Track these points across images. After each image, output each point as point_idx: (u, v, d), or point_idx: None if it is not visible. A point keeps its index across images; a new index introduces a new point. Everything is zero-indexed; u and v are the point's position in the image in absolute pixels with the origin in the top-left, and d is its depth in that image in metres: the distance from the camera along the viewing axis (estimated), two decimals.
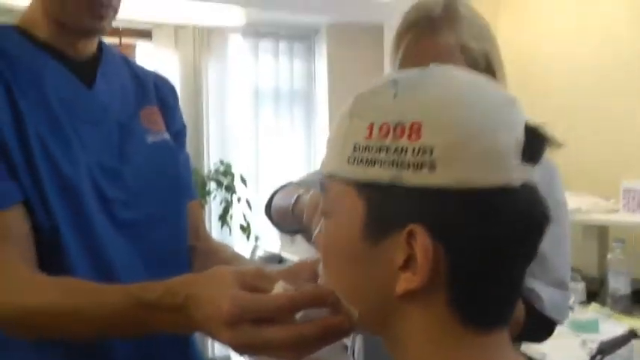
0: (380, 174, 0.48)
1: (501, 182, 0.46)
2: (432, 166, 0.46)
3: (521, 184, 0.47)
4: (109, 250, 0.90)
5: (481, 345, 0.50)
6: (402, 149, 0.47)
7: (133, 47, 3.51)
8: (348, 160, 0.50)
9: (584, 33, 2.52)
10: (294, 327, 0.59)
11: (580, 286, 2.28)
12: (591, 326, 1.90)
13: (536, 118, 0.49)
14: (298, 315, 0.60)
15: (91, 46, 0.97)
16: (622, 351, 1.64)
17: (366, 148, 0.49)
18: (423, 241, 0.47)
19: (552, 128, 0.50)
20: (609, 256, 2.14)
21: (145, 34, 3.45)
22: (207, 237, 1.10)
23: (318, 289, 0.60)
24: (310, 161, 3.90)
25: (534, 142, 0.48)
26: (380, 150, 0.48)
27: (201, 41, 3.50)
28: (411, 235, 0.47)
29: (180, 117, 1.10)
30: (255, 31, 3.72)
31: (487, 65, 1.03)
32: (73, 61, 0.94)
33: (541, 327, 1.06)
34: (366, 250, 0.50)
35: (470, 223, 0.47)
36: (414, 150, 0.47)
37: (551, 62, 2.67)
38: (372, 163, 0.49)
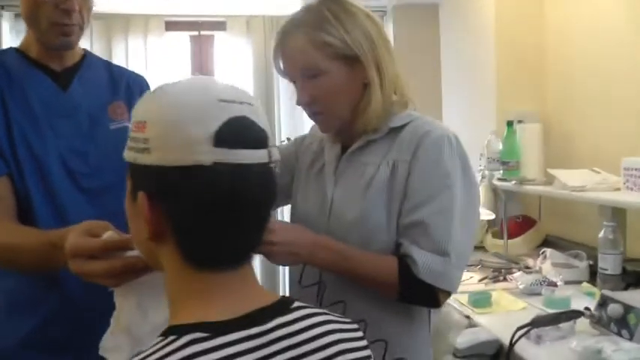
0: (130, 156, 0.69)
1: (192, 162, 0.64)
2: (149, 151, 0.66)
3: (213, 162, 0.64)
4: (72, 210, 1.25)
5: (209, 280, 0.68)
6: (139, 139, 0.67)
7: (211, 38, 3.79)
8: (127, 146, 0.71)
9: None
10: (107, 262, 0.88)
11: (583, 265, 2.29)
12: (562, 303, 1.93)
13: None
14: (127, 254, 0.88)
15: (70, 58, 1.31)
16: (563, 326, 1.65)
17: (130, 139, 0.70)
18: (143, 203, 0.67)
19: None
20: (600, 235, 2.12)
21: (221, 25, 3.72)
22: None
23: (120, 237, 0.90)
24: None
25: (232, 133, 0.66)
26: (132, 140, 0.69)
27: (271, 29, 3.73)
28: (142, 198, 0.68)
29: None
30: None
31: (354, 54, 1.15)
32: (55, 72, 1.29)
33: (419, 291, 1.11)
34: (134, 209, 0.70)
35: (175, 191, 0.65)
36: (142, 139, 0.67)
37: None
38: (130, 148, 0.69)
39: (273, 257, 1.09)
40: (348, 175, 1.23)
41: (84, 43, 3.67)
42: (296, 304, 0.72)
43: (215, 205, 0.65)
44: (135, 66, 3.74)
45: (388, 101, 1.19)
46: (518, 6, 2.95)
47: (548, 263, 2.35)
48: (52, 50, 1.27)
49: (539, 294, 2.10)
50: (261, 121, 0.69)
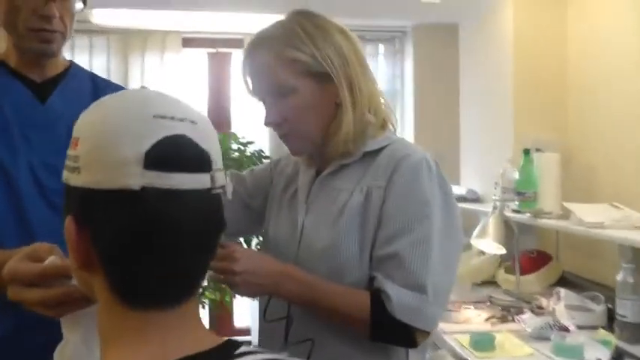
0: (65, 175, 0.63)
1: (120, 185, 0.57)
2: (79, 170, 0.60)
3: (141, 187, 0.57)
4: (40, 228, 1.17)
5: (142, 318, 0.61)
6: (71, 157, 0.62)
7: (228, 55, 3.78)
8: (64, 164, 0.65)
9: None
10: (43, 290, 0.80)
11: (599, 309, 2.12)
12: (573, 352, 1.78)
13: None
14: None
15: (52, 69, 1.24)
16: None
17: (66, 157, 0.64)
18: (69, 228, 0.61)
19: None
20: (618, 277, 1.96)
21: (238, 43, 3.71)
22: None
23: (63, 264, 0.81)
24: None
25: (165, 154, 0.59)
26: (67, 157, 0.63)
27: None
28: (69, 223, 0.61)
29: None
30: None
31: (324, 72, 1.10)
32: (34, 82, 1.23)
33: (393, 329, 1.03)
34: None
35: (100, 217, 0.59)
36: (74, 157, 0.61)
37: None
38: (65, 167, 0.64)
39: (236, 288, 1.04)
40: (320, 201, 1.17)
41: (100, 59, 3.68)
42: (242, 348, 0.63)
43: (144, 236, 0.58)
44: (151, 82, 3.74)
45: (362, 123, 1.12)
46: (538, 26, 2.82)
47: (561, 305, 2.18)
48: (32, 59, 1.22)
49: (548, 339, 1.93)
50: (206, 142, 0.62)
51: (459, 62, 3.54)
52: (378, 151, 1.13)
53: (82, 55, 3.82)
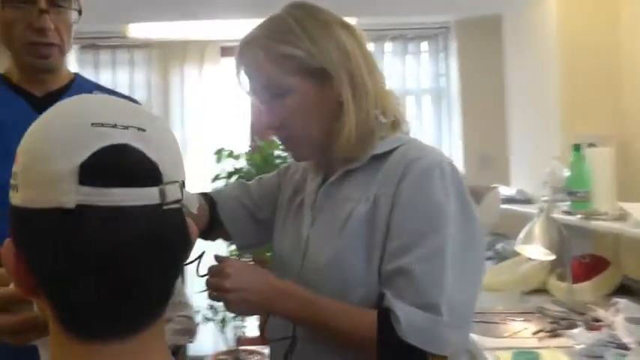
0: (10, 194, 0.56)
1: (54, 204, 0.51)
2: (17, 189, 0.54)
3: (76, 205, 0.50)
4: None
5: (91, 351, 0.54)
6: (13, 174, 0.56)
7: None
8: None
9: None
10: (8, 316, 0.74)
11: None
12: None
13: None
14: None
15: (53, 83, 1.22)
16: None
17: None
18: (7, 252, 0.55)
19: None
20: None
21: None
22: None
23: (14, 292, 0.72)
24: None
25: (103, 167, 0.51)
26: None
27: None
28: (7, 245, 0.55)
29: None
30: (380, 35, 3.75)
31: (322, 68, 1.00)
32: (34, 97, 1.20)
33: (403, 353, 0.92)
34: None
35: (36, 238, 0.52)
36: (14, 174, 0.55)
37: None
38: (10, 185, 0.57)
39: (228, 305, 0.98)
40: (326, 211, 1.07)
41: (141, 73, 3.73)
42: None
43: (82, 260, 0.51)
44: (191, 93, 3.74)
45: (368, 123, 1.02)
46: (586, 12, 2.60)
47: (620, 318, 1.95)
48: (32, 74, 1.19)
49: (602, 358, 1.72)
50: (155, 151, 0.54)
51: (504, 57, 3.35)
52: (387, 154, 1.03)
53: (123, 69, 3.88)
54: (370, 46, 4.08)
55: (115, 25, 3.52)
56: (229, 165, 3.35)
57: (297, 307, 0.97)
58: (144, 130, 0.55)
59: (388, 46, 3.80)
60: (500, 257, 2.83)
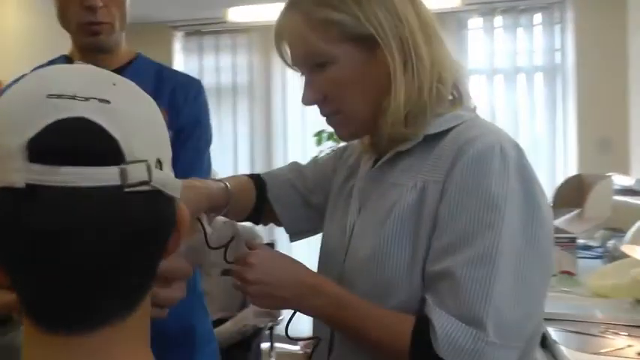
0: None
1: (4, 183, 0.46)
2: None
3: (26, 184, 0.46)
4: None
5: (50, 343, 0.51)
6: None
7: None
8: None
9: None
10: None
11: None
12: None
13: None
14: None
15: (112, 62, 1.21)
16: None
17: None
18: None
19: None
20: None
21: None
22: None
23: None
24: (554, 144, 3.52)
25: (55, 143, 0.46)
26: None
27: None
28: None
29: (190, 114, 1.21)
30: (489, 8, 3.52)
31: (370, 34, 0.87)
32: None
33: None
34: None
35: None
36: None
37: None
38: None
39: (251, 299, 0.90)
40: (372, 199, 0.96)
41: (243, 57, 3.77)
42: None
43: (33, 244, 0.47)
44: (292, 75, 3.73)
45: (422, 98, 0.89)
46: None
47: None
48: (89, 54, 1.20)
49: None
50: (119, 126, 0.48)
51: (627, 30, 3.01)
52: (443, 134, 0.89)
53: (226, 54, 3.95)
54: (478, 22, 3.91)
55: (216, 10, 3.56)
56: (330, 147, 3.32)
57: (325, 307, 0.88)
58: (107, 102, 0.49)
59: (498, 20, 3.57)
60: (612, 257, 2.56)
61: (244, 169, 4.01)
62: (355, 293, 0.88)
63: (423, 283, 0.85)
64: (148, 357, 0.55)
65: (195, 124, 1.22)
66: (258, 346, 2.62)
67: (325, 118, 0.97)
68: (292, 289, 0.89)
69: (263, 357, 2.79)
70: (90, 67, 0.55)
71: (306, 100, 0.94)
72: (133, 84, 0.54)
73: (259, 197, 1.09)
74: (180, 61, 4.08)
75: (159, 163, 0.50)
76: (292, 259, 0.94)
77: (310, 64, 0.91)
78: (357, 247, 0.93)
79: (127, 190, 0.47)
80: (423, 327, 0.80)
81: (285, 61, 0.96)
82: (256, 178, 1.11)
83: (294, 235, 1.17)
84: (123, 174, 0.47)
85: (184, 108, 1.21)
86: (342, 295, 0.88)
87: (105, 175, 0.47)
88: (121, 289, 0.51)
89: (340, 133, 0.98)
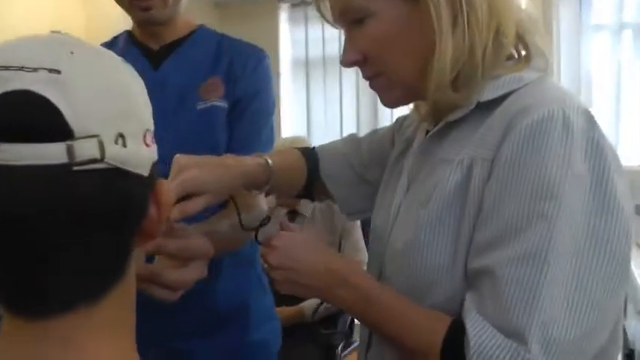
0: None
1: None
2: None
3: None
4: None
5: (13, 325, 0.49)
6: None
7: None
8: None
9: None
10: None
11: None
12: None
13: None
14: None
15: (171, 35, 1.20)
16: None
17: None
18: None
19: None
20: None
21: None
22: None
23: None
24: None
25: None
26: None
27: None
28: None
29: (248, 85, 1.17)
30: None
31: None
32: (151, 50, 1.21)
33: None
34: None
35: None
36: None
37: None
38: None
39: (275, 283, 0.83)
40: (420, 177, 0.83)
41: None
42: None
43: None
44: None
45: (474, 59, 0.75)
46: None
47: None
48: (145, 28, 1.20)
49: None
50: (67, 98, 0.44)
51: None
52: (500, 100, 0.74)
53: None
54: None
55: None
56: None
57: (351, 300, 0.79)
58: (58, 72, 0.44)
59: None
60: None
61: None
62: (393, 288, 0.78)
63: (466, 281, 0.73)
64: (125, 350, 0.52)
65: (253, 96, 1.16)
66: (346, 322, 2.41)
67: (368, 82, 0.84)
68: (317, 277, 0.81)
69: None
70: (54, 35, 0.49)
71: (345, 61, 0.82)
72: (101, 51, 0.50)
73: (311, 174, 1.02)
74: (286, 32, 4.07)
75: (121, 137, 0.46)
76: (323, 245, 0.87)
77: (349, 19, 0.79)
78: (396, 234, 0.83)
79: (76, 168, 0.44)
80: (456, 334, 0.68)
81: (325, 18, 0.84)
82: (309, 154, 1.03)
83: (351, 215, 1.10)
84: (70, 151, 0.43)
85: (242, 79, 1.16)
86: (370, 288, 0.78)
87: (49, 153, 0.43)
88: (79, 274, 0.48)
89: (384, 99, 0.85)
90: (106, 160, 0.45)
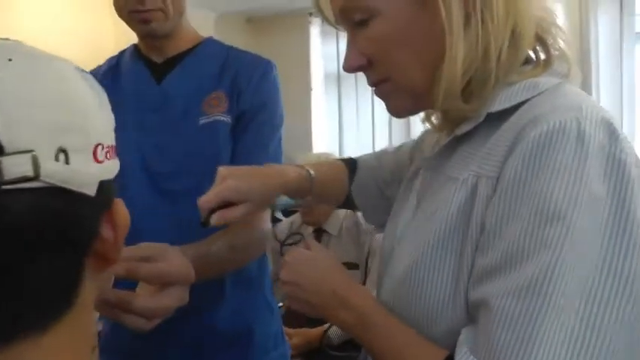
0: None
1: None
2: None
3: None
4: (144, 214, 1.05)
5: None
6: None
7: None
8: None
9: None
10: None
11: None
12: None
13: None
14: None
15: (175, 48, 1.18)
16: None
17: None
18: None
19: None
20: None
21: None
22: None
23: None
24: None
25: None
26: None
27: None
28: None
29: (253, 97, 1.12)
30: None
31: None
32: (155, 63, 1.19)
33: None
34: None
35: None
36: None
37: None
38: None
39: (287, 299, 0.82)
40: (428, 195, 0.76)
41: None
42: None
43: None
44: None
45: (488, 63, 0.67)
46: None
47: None
48: (148, 41, 1.17)
49: None
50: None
51: None
52: (511, 111, 0.66)
53: None
54: None
55: None
56: None
57: (349, 323, 0.75)
58: None
59: None
60: None
61: None
62: (394, 315, 0.73)
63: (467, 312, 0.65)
64: None
65: (259, 108, 1.12)
66: None
67: (374, 89, 0.76)
68: (320, 296, 0.78)
69: None
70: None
71: (348, 66, 0.74)
72: (46, 59, 0.46)
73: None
74: (318, 46, 4.05)
75: (62, 152, 0.42)
76: (334, 263, 0.83)
77: (352, 19, 0.72)
78: (397, 260, 0.76)
79: (5, 187, 0.39)
80: None
81: (326, 19, 0.77)
82: (351, 164, 1.03)
83: (379, 228, 1.05)
84: None
85: (247, 91, 1.12)
86: (369, 312, 0.73)
87: None
88: (18, 304, 0.43)
89: (391, 107, 0.76)
90: (41, 178, 0.41)
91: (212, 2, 3.64)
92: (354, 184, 1.02)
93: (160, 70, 1.18)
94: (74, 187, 0.43)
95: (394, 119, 3.84)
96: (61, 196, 0.42)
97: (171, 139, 1.13)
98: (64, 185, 0.42)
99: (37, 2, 2.90)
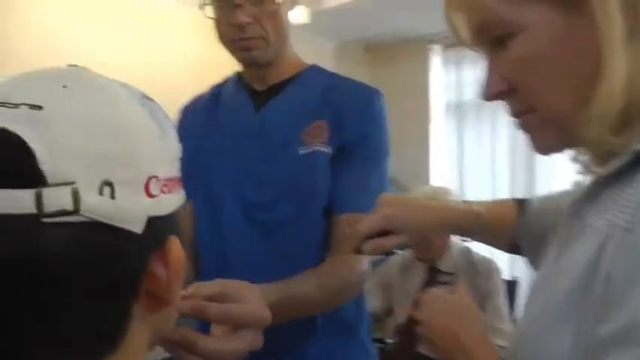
0: None
1: None
2: None
3: None
4: (237, 245, 1.08)
5: None
6: None
7: None
8: None
9: None
10: None
11: None
12: None
13: None
14: None
15: (273, 76, 1.16)
16: None
17: None
18: None
19: None
20: None
21: None
22: (333, 254, 1.04)
23: None
24: None
25: None
26: None
27: None
28: None
29: (356, 128, 1.07)
30: None
31: None
32: (256, 91, 1.17)
33: None
34: None
35: None
36: None
37: None
38: None
39: (420, 342, 0.84)
40: (566, 243, 0.64)
41: None
42: None
43: None
44: None
45: None
46: None
47: None
48: (250, 69, 1.16)
49: None
50: (45, 138, 0.39)
51: None
52: None
53: None
54: None
55: None
56: None
57: None
58: (39, 108, 0.40)
59: None
60: None
61: (502, 192, 3.68)
62: None
63: None
64: None
65: (361, 139, 1.07)
66: None
67: (517, 120, 0.65)
68: (447, 341, 0.78)
69: None
70: (60, 68, 0.45)
71: (488, 93, 0.64)
72: (105, 84, 0.44)
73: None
74: (439, 74, 3.94)
75: (108, 185, 0.40)
76: (468, 307, 0.83)
77: (490, 37, 0.62)
78: (525, 318, 0.67)
79: (45, 220, 0.38)
80: None
81: (461, 40, 0.66)
82: (523, 206, 0.94)
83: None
84: (38, 199, 0.38)
85: (349, 122, 1.07)
86: None
87: (17, 201, 0.37)
88: (59, 345, 0.41)
89: (538, 142, 0.65)
90: (81, 212, 0.39)
91: (330, 31, 3.66)
92: (517, 227, 0.93)
93: (261, 98, 1.16)
94: (116, 223, 0.40)
95: (517, 154, 3.63)
96: (102, 231, 0.40)
97: (269, 169, 1.10)
98: (105, 221, 0.40)
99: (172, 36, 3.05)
